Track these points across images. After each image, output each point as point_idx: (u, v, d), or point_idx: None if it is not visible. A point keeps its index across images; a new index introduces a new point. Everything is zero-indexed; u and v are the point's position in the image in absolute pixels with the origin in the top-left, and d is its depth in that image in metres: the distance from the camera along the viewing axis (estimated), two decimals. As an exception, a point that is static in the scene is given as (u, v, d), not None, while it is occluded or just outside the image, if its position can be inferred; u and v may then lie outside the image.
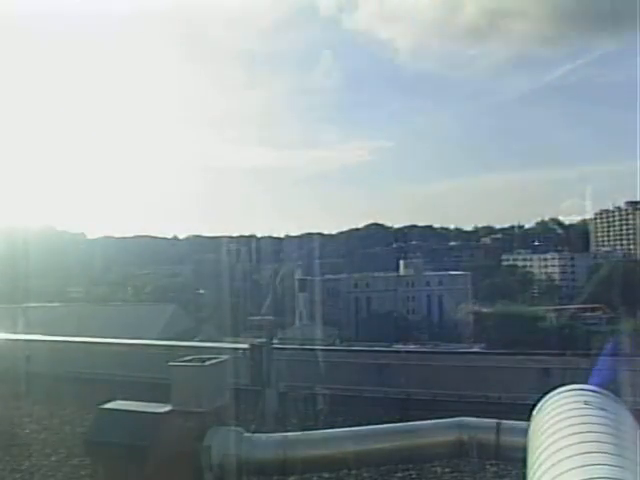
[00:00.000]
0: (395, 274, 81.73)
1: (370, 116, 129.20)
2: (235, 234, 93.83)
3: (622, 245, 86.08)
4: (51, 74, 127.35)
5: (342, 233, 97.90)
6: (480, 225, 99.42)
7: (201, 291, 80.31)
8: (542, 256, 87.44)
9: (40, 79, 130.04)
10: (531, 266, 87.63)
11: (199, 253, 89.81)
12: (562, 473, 3.56)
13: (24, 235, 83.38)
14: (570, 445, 3.98)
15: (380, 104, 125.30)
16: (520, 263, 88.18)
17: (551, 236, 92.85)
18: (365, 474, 9.65)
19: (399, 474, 9.91)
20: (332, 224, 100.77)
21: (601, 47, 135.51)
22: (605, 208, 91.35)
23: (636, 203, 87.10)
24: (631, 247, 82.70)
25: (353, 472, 9.25)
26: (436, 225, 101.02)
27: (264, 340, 9.47)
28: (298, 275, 79.26)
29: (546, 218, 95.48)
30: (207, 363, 6.86)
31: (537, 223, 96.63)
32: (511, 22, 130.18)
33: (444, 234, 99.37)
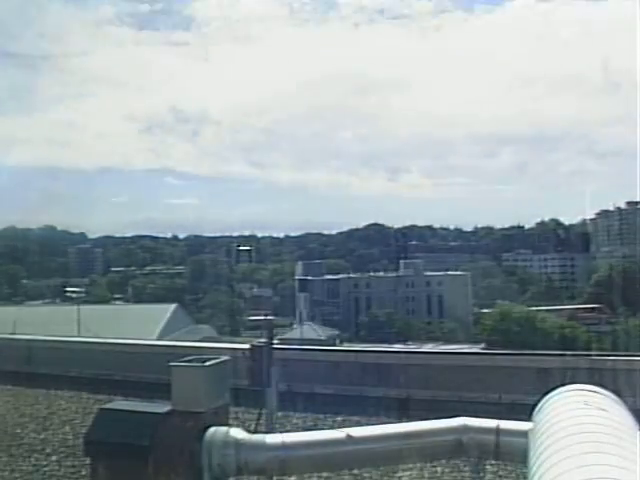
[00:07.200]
0: (395, 274, 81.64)
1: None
2: (235, 234, 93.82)
3: (622, 245, 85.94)
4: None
5: (342, 233, 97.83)
6: (480, 225, 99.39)
7: (201, 291, 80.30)
8: (542, 256, 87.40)
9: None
10: (531, 266, 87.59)
11: (199, 253, 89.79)
12: (562, 473, 3.56)
13: (24, 235, 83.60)
14: (570, 445, 3.97)
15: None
16: (520, 263, 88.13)
17: (551, 236, 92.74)
18: (365, 474, 9.65)
19: (399, 474, 9.91)
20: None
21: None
22: (605, 208, 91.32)
23: (636, 203, 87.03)
24: (631, 247, 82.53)
25: (353, 472, 9.25)
26: (436, 225, 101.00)
27: (264, 340, 9.47)
28: (298, 275, 79.18)
29: (546, 218, 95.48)
30: (207, 363, 6.85)
31: (537, 223, 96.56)
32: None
33: (444, 234, 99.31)
